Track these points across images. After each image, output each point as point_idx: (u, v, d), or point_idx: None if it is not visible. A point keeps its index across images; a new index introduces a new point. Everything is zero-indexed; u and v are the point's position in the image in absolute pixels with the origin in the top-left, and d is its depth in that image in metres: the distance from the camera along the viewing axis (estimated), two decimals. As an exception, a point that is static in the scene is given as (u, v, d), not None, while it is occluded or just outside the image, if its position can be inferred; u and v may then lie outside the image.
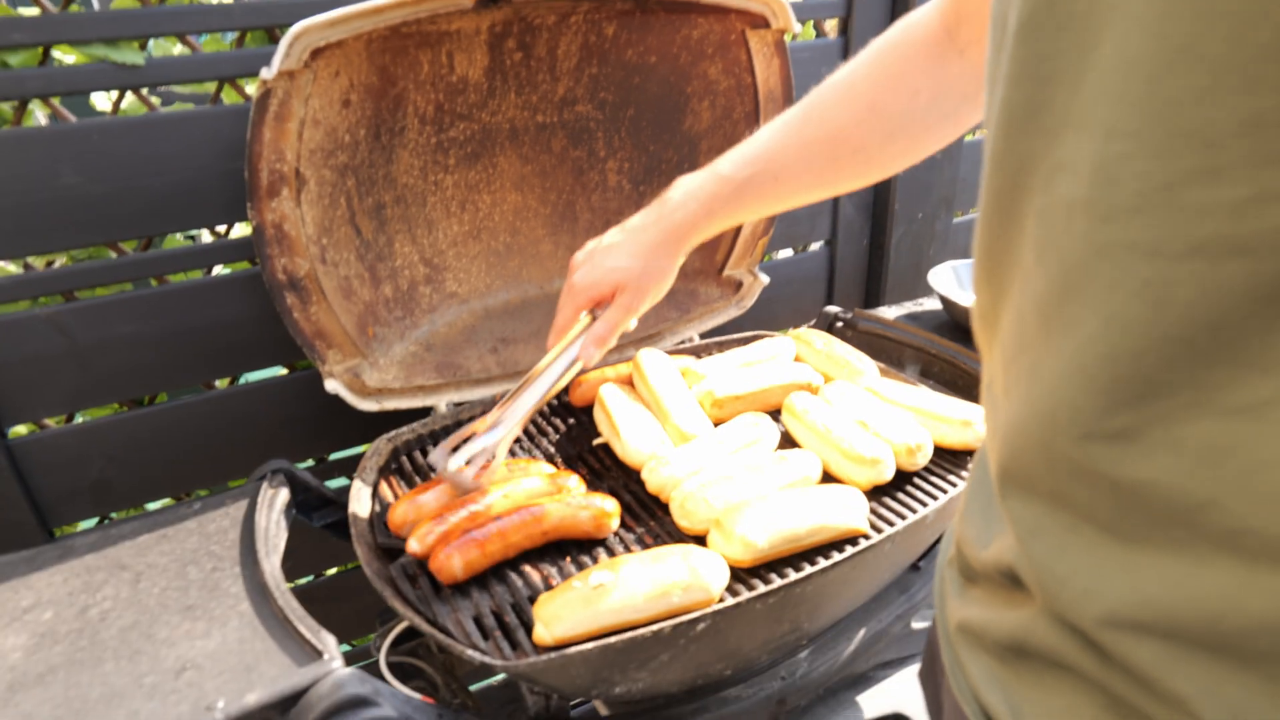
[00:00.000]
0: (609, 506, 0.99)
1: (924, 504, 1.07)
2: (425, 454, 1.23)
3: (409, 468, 1.20)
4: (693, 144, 1.50)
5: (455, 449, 1.03)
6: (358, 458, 1.50)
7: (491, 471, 1.04)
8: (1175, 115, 0.34)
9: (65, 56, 1.13)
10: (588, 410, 1.31)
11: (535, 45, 1.29)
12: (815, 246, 1.88)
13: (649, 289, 1.05)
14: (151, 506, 1.43)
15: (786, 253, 1.89)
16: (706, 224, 1.02)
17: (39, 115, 1.28)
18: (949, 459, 1.15)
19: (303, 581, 1.55)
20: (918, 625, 1.29)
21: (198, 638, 0.81)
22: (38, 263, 1.26)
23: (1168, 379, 0.37)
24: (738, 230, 1.56)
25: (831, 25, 1.74)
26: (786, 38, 1.39)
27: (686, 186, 1.02)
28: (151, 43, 1.25)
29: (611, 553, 1.01)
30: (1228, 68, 0.32)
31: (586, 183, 1.50)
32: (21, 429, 1.29)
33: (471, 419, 1.30)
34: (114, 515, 1.37)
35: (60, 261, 1.27)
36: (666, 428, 1.17)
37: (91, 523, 1.37)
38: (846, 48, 1.67)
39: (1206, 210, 0.34)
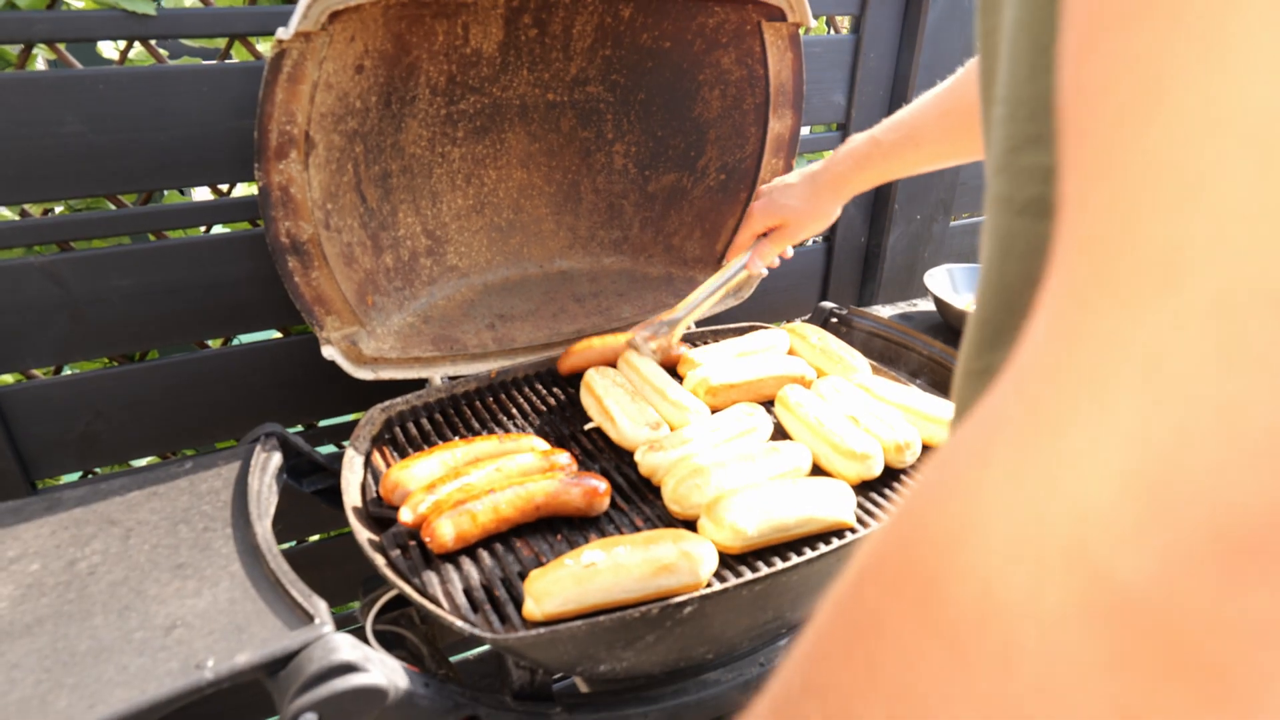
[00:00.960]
0: (600, 486, 1.00)
1: (910, 502, 1.09)
2: (419, 426, 1.23)
3: (402, 439, 1.20)
4: (701, 132, 1.51)
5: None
6: (348, 426, 1.50)
7: (668, 349, 1.35)
8: (1019, 86, 0.39)
9: (75, 1, 1.11)
10: (575, 386, 1.31)
11: (551, 23, 1.28)
12: (813, 242, 1.89)
13: (808, 224, 1.31)
14: (138, 464, 1.42)
15: (784, 246, 1.90)
16: (859, 178, 1.23)
17: (42, 61, 1.26)
18: (937, 459, 1.17)
19: (285, 547, 1.55)
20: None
21: (188, 596, 0.82)
22: (34, 210, 1.24)
23: (1007, 324, 0.40)
24: (739, 221, 1.56)
25: (844, 22, 1.74)
26: (801, 32, 1.40)
27: (849, 145, 1.23)
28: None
29: (603, 533, 1.02)
30: (1047, 46, 0.34)
31: (593, 164, 1.50)
32: (8, 378, 1.27)
33: (466, 394, 1.30)
34: (98, 470, 1.36)
35: (58, 210, 1.25)
36: (664, 405, 1.18)
37: (75, 477, 1.36)
38: (858, 44, 1.68)
39: (1033, 173, 0.39)
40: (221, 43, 1.24)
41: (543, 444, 1.11)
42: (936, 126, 1.09)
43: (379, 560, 0.92)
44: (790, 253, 1.41)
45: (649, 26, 1.35)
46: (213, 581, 0.84)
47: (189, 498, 0.98)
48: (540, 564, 0.95)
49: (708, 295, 1.34)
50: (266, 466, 1.04)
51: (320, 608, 0.79)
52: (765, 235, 1.34)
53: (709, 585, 0.91)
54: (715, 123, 1.50)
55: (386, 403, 1.23)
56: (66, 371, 1.29)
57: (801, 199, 1.29)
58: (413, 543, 0.97)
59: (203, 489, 1.00)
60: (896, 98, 1.76)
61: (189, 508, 0.96)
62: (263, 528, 0.92)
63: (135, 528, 0.93)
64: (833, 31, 1.78)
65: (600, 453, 1.18)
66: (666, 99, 1.47)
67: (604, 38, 1.34)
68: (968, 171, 1.98)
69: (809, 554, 0.95)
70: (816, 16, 1.68)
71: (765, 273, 1.39)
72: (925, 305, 1.70)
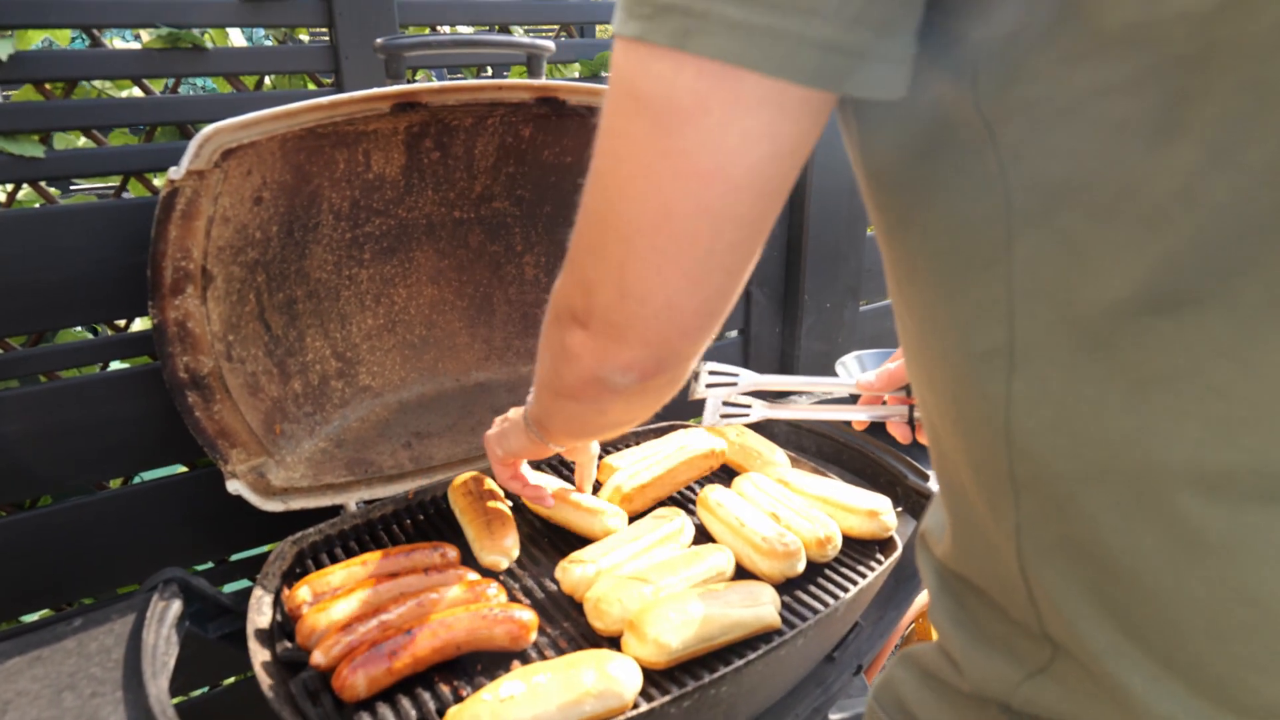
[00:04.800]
0: (526, 618, 0.97)
1: (836, 596, 1.09)
2: (333, 556, 1.18)
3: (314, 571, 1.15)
4: (608, 239, 1.55)
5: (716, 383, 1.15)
6: (262, 557, 1.44)
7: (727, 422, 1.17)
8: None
9: (-42, 149, 1.10)
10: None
11: (452, 145, 1.31)
12: (731, 335, 1.94)
13: None
14: (29, 618, 1.32)
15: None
16: None
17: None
18: (857, 548, 1.18)
19: (198, 694, 1.45)
20: (834, 717, 1.29)
21: (70, 775, 0.75)
22: (-86, 359, 1.19)
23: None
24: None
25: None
26: (696, 142, 1.46)
27: None
28: (54, 135, 1.22)
29: (526, 659, 0.98)
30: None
31: (504, 276, 1.51)
32: (-118, 537, 1.19)
33: (382, 517, 1.26)
34: (-16, 630, 1.26)
35: (-61, 358, 1.20)
36: (574, 515, 1.18)
37: (-42, 638, 1.26)
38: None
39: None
40: (116, 180, 1.24)
41: (472, 574, 1.07)
42: None
43: (285, 712, 0.87)
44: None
45: (549, 144, 1.40)
46: (98, 756, 0.77)
47: (76, 660, 0.92)
48: (460, 699, 0.91)
49: (799, 415, 1.22)
50: (164, 617, 0.98)
51: (217, 775, 0.74)
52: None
53: (635, 706, 0.89)
54: (622, 229, 1.54)
55: (299, 534, 1.18)
56: (-54, 526, 1.21)
57: None
58: (324, 688, 0.92)
59: (92, 649, 0.93)
60: (795, 212, 1.85)
61: (75, 671, 0.90)
62: (158, 687, 0.86)
63: (14, 699, 0.86)
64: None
65: (526, 567, 1.16)
66: (572, 209, 1.50)
67: (506, 156, 1.38)
68: (872, 258, 2.07)
69: (736, 662, 0.94)
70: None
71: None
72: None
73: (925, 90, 0.42)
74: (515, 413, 1.04)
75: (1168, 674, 0.40)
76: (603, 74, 1.59)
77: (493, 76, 1.94)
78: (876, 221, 0.52)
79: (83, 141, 1.26)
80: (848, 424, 1.49)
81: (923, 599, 1.76)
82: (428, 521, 1.27)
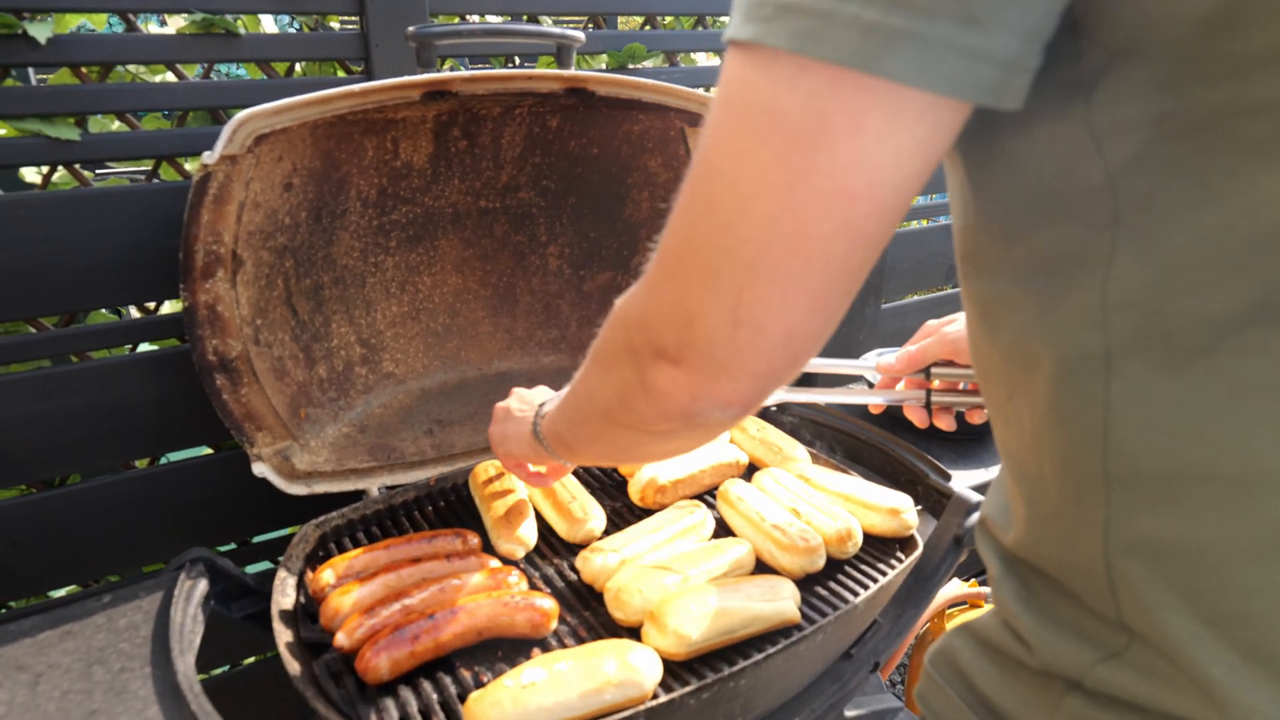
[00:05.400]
0: (548, 606, 0.98)
1: (855, 593, 1.09)
2: (355, 541, 1.20)
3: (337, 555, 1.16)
4: (633, 231, 1.55)
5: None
6: (283, 540, 1.45)
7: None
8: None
9: (-3, 129, 1.11)
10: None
11: (480, 134, 1.32)
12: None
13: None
14: (57, 594, 1.35)
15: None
16: None
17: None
18: (878, 546, 1.18)
19: (219, 672, 1.47)
20: (850, 714, 1.29)
21: (100, 748, 0.77)
22: (-51, 336, 1.21)
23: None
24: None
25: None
26: (723, 135, 1.46)
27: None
28: (89, 118, 1.24)
29: (546, 647, 0.99)
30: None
31: (527, 266, 1.52)
32: (-85, 510, 1.21)
33: (404, 503, 1.27)
34: (12, 604, 1.28)
35: (-26, 336, 1.22)
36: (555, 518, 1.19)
37: (-14, 612, 1.28)
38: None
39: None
40: (149, 163, 1.25)
41: (493, 561, 1.08)
42: None
43: (309, 692, 0.88)
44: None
45: (576, 134, 1.40)
46: (127, 730, 0.79)
47: (106, 635, 0.93)
48: (481, 684, 0.92)
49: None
50: (191, 595, 0.99)
51: (243, 752, 0.75)
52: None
53: (655, 696, 0.89)
54: (646, 222, 1.54)
55: (321, 518, 1.19)
56: (-22, 501, 1.23)
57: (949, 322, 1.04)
58: (347, 670, 0.93)
59: (121, 625, 0.95)
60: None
61: (105, 646, 0.91)
62: (185, 664, 0.87)
63: (45, 672, 0.88)
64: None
65: (547, 556, 1.16)
66: (597, 201, 1.51)
67: (533, 146, 1.39)
68: (895, 256, 2.06)
69: (756, 656, 0.94)
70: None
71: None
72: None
73: (1036, 103, 0.41)
74: (521, 412, 0.97)
75: (1249, 664, 0.41)
76: (630, 65, 1.59)
77: (520, 67, 1.94)
78: (970, 229, 0.52)
79: (116, 125, 1.27)
80: (866, 411, 1.49)
81: (940, 598, 1.75)
82: (449, 508, 1.28)
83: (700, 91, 1.36)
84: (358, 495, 1.32)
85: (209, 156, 1.00)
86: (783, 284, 0.43)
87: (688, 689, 0.87)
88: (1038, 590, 0.53)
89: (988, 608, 0.63)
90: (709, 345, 0.47)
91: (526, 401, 0.99)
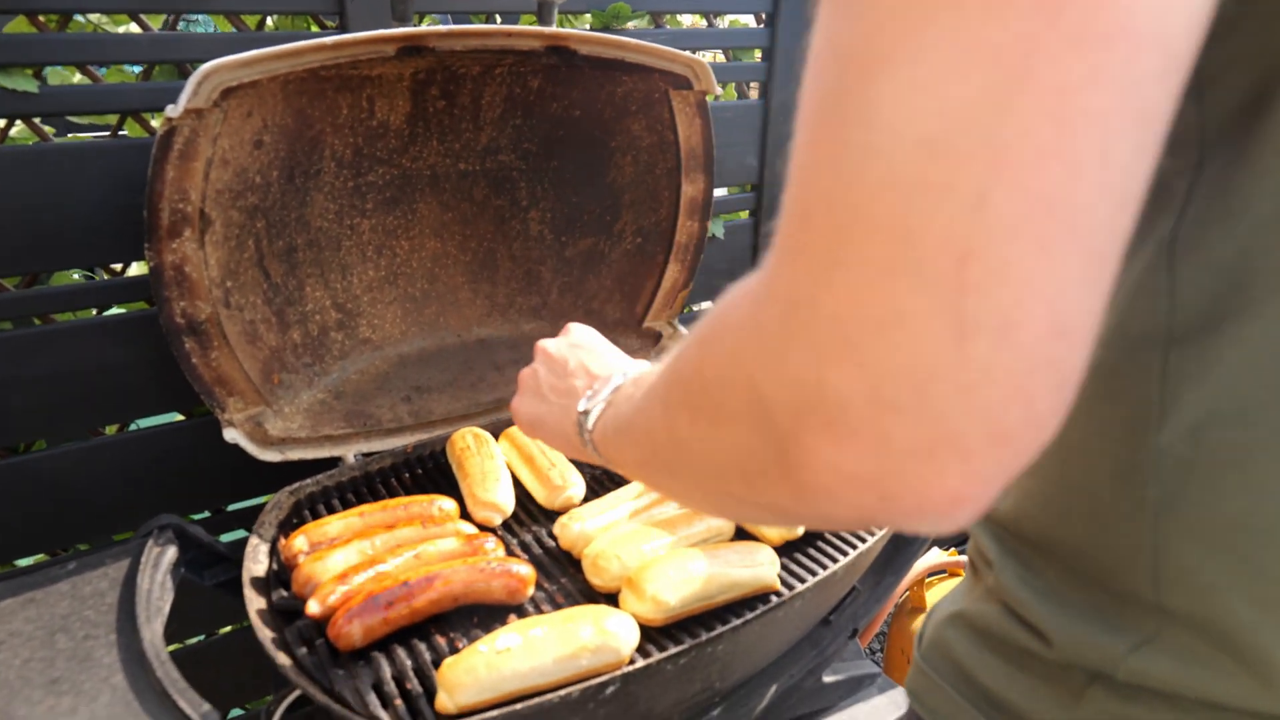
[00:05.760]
0: (524, 572, 0.96)
1: (834, 559, 1.08)
2: (330, 508, 1.18)
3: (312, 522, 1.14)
4: (615, 196, 1.52)
5: None
6: (258, 509, 1.43)
7: None
8: None
9: (-50, 81, 1.06)
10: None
11: (459, 94, 1.28)
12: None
13: None
14: (23, 563, 1.32)
15: (707, 305, 1.91)
16: None
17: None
18: (859, 515, 1.17)
19: (193, 641, 1.45)
20: (829, 679, 1.29)
21: (62, 715, 0.75)
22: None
23: None
24: (658, 282, 1.57)
25: (754, 88, 1.80)
26: (708, 98, 1.43)
27: None
28: (48, 70, 1.19)
29: (522, 613, 0.98)
30: None
31: (508, 231, 1.49)
32: (-125, 477, 1.18)
33: (380, 470, 1.25)
34: (-21, 572, 1.26)
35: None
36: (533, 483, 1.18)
37: (-48, 580, 1.26)
38: (767, 110, 1.73)
39: None
40: (112, 119, 1.21)
41: (469, 528, 1.07)
42: None
43: (280, 657, 0.86)
44: None
45: (558, 96, 1.37)
46: (90, 696, 0.77)
47: (70, 602, 0.91)
48: (456, 650, 0.91)
49: None
50: (159, 562, 0.97)
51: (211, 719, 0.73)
52: None
53: (631, 662, 0.88)
54: (629, 187, 1.52)
55: (296, 485, 1.17)
56: (-60, 467, 1.20)
57: None
58: (320, 636, 0.92)
59: (86, 592, 0.93)
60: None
61: (69, 614, 0.89)
62: (151, 631, 0.86)
63: (6, 640, 0.85)
64: (742, 97, 1.83)
65: (525, 523, 1.15)
66: (579, 165, 1.48)
67: (514, 108, 1.35)
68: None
69: (734, 621, 0.93)
70: (725, 82, 1.73)
71: None
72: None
73: None
74: (559, 398, 0.70)
75: None
76: (614, 26, 1.55)
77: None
78: None
79: (78, 78, 1.22)
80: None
81: (920, 566, 1.76)
82: (426, 476, 1.26)
83: (686, 54, 1.33)
84: (333, 462, 1.30)
85: (173, 110, 0.96)
86: (1037, 226, 0.25)
87: (665, 654, 0.87)
88: (1044, 573, 0.50)
89: (965, 576, 0.61)
90: (916, 386, 0.27)
91: (564, 382, 0.70)
